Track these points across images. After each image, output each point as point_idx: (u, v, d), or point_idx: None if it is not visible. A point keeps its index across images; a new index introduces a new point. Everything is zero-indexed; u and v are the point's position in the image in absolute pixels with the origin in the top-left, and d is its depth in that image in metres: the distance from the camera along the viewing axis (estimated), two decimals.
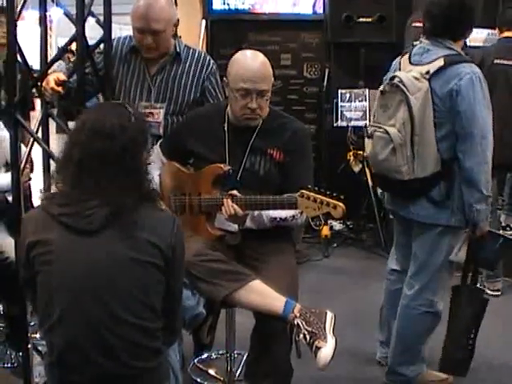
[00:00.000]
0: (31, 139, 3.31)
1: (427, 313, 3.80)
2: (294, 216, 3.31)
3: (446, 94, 3.48)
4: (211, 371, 4.11)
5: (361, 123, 6.80)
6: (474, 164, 3.46)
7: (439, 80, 3.50)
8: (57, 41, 17.88)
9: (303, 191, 3.09)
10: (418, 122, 3.50)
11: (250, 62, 3.36)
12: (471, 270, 3.80)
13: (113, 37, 3.28)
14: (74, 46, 3.20)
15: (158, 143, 3.63)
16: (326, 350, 2.92)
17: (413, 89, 3.51)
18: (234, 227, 3.36)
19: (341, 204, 3.04)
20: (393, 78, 3.64)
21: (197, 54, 3.85)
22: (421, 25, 6.45)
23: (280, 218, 3.32)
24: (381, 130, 3.65)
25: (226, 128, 3.44)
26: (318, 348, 2.93)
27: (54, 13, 7.88)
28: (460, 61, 3.53)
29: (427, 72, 3.51)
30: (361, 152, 6.81)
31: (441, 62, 3.52)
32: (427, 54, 3.62)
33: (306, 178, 3.36)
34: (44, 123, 3.29)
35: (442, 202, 3.61)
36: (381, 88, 3.78)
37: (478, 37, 6.11)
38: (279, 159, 3.40)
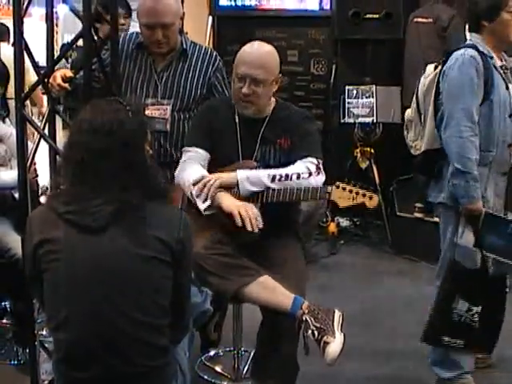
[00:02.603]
0: (37, 135, 3.31)
1: None
2: (299, 174, 3.27)
3: (441, 76, 3.67)
4: (218, 368, 4.10)
5: (368, 120, 6.81)
6: (446, 136, 3.57)
7: (444, 66, 3.68)
8: (63, 37, 17.88)
9: (338, 182, 3.19)
10: (422, 102, 3.83)
11: (253, 48, 3.40)
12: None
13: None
14: (80, 43, 3.20)
15: (186, 143, 3.58)
16: (335, 346, 2.93)
17: (428, 72, 3.82)
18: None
19: (376, 195, 3.20)
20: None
21: (203, 50, 3.85)
22: (422, 20, 6.53)
23: (281, 175, 3.27)
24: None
25: (237, 120, 3.45)
26: (327, 343, 2.93)
27: (61, 9, 7.88)
28: (463, 47, 3.63)
29: (444, 61, 3.69)
30: (368, 148, 6.81)
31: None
32: None
33: (313, 149, 3.37)
34: (51, 119, 3.28)
35: (437, 179, 3.74)
36: None
37: None
38: (288, 147, 3.41)
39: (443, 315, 3.61)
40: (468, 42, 3.69)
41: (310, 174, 3.25)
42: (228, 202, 3.22)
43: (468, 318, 3.60)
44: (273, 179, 3.25)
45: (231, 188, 3.28)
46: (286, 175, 3.25)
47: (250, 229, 3.13)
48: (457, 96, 3.55)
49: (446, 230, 3.74)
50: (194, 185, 3.28)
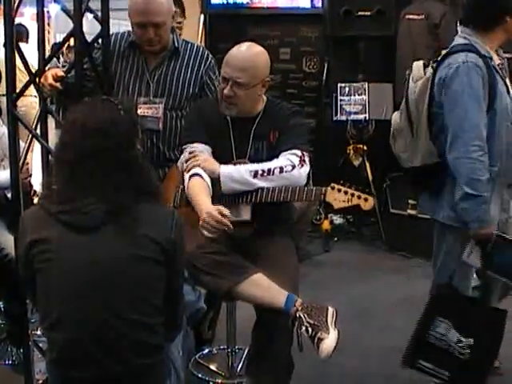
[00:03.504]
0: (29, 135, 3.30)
1: None
2: (281, 168, 3.27)
3: (438, 83, 3.37)
4: (212, 366, 4.10)
5: (360, 117, 6.81)
6: (453, 158, 3.29)
7: (439, 70, 3.38)
8: (55, 37, 17.84)
9: (333, 184, 3.18)
10: (413, 110, 3.48)
11: (239, 50, 3.39)
12: (484, 275, 3.47)
13: (111, 32, 3.28)
14: (71, 42, 3.20)
15: (183, 142, 3.57)
16: (329, 341, 2.94)
17: (416, 76, 3.50)
18: (246, 216, 3.36)
19: (371, 197, 3.17)
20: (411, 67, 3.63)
21: (195, 49, 3.85)
22: (413, 17, 6.53)
23: (263, 170, 3.27)
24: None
25: (228, 119, 3.45)
26: (321, 339, 2.94)
27: (52, 9, 7.86)
28: (462, 50, 3.33)
29: (435, 60, 3.43)
30: (360, 146, 6.82)
31: (446, 51, 3.41)
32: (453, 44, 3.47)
33: (298, 142, 3.37)
34: (42, 119, 3.28)
35: (437, 196, 3.49)
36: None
37: None
38: (275, 141, 3.42)
39: (422, 337, 3.43)
40: (462, 40, 3.39)
41: (294, 167, 3.26)
42: (201, 206, 3.20)
43: (457, 349, 3.36)
44: (255, 175, 3.26)
45: (217, 183, 3.30)
46: (268, 170, 3.26)
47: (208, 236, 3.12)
48: (462, 111, 3.26)
49: (442, 247, 3.54)
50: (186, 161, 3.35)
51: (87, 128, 2.39)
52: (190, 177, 3.33)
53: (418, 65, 3.54)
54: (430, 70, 3.44)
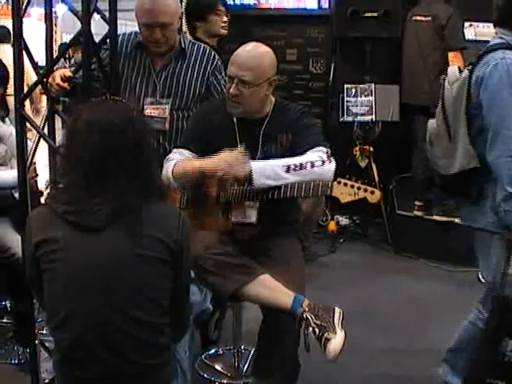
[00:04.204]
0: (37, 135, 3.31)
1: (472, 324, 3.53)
2: (312, 163, 3.23)
3: (475, 82, 3.22)
4: (218, 367, 4.11)
5: (367, 118, 6.81)
6: (494, 158, 3.14)
7: (476, 69, 3.24)
8: (62, 37, 17.90)
9: (340, 178, 3.19)
10: (451, 113, 3.34)
11: (245, 49, 3.40)
12: None
13: (118, 33, 3.29)
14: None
15: (178, 144, 3.58)
16: (336, 342, 2.94)
17: (452, 79, 3.37)
18: (253, 218, 3.36)
19: (377, 190, 3.17)
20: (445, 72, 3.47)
21: (202, 50, 3.86)
22: (420, 18, 6.52)
23: (295, 165, 3.22)
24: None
25: (235, 121, 3.44)
26: (328, 340, 2.94)
27: (59, 9, 7.88)
28: (500, 48, 3.21)
29: (471, 62, 3.29)
30: (367, 147, 6.81)
31: (483, 51, 3.26)
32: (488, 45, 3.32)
33: (320, 139, 3.37)
34: (50, 119, 3.29)
35: (478, 203, 3.29)
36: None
37: (487, 31, 6.11)
38: (288, 142, 3.40)
39: (490, 356, 3.20)
40: (499, 40, 3.26)
41: (324, 162, 3.23)
42: (205, 162, 3.22)
43: None
44: (287, 169, 3.20)
45: (240, 182, 3.25)
46: (300, 164, 3.21)
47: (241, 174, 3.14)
48: (501, 108, 3.12)
49: (491, 258, 3.29)
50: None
51: (105, 128, 2.38)
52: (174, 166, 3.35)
53: (453, 69, 3.42)
54: (465, 72, 3.30)
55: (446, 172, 3.39)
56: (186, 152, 3.44)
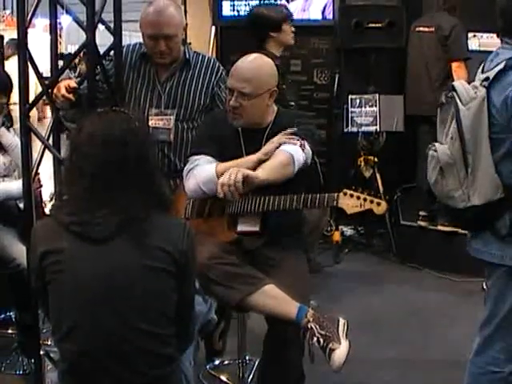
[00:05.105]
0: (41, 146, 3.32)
1: (493, 373, 3.07)
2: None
3: (502, 103, 2.83)
4: (223, 377, 4.10)
5: (371, 128, 6.82)
6: None
7: (497, 87, 2.87)
8: (67, 48, 17.97)
9: (346, 190, 3.17)
10: (469, 138, 2.92)
11: (245, 61, 3.41)
12: None
13: (123, 44, 3.30)
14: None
15: (192, 152, 3.56)
16: (340, 352, 2.94)
17: (466, 98, 2.94)
18: (257, 227, 3.36)
19: (384, 202, 3.17)
20: (453, 87, 3.04)
21: (206, 60, 3.87)
22: (424, 29, 6.55)
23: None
24: (433, 148, 3.10)
25: (239, 131, 3.45)
26: (332, 350, 2.94)
27: (64, 20, 7.90)
28: None
29: (486, 78, 2.90)
30: (371, 157, 6.81)
31: (501, 66, 2.87)
32: (496, 58, 2.96)
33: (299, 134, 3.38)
34: (55, 130, 3.29)
35: (508, 237, 2.91)
36: (440, 100, 3.15)
37: (491, 42, 6.11)
38: None
39: None
40: (508, 52, 2.91)
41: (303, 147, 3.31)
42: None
43: None
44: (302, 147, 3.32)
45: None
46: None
47: (220, 196, 3.16)
48: None
49: (505, 297, 3.01)
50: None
51: (106, 139, 2.38)
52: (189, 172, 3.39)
53: (463, 86, 3.00)
54: (482, 90, 2.90)
55: (463, 205, 2.99)
56: (205, 158, 3.44)
